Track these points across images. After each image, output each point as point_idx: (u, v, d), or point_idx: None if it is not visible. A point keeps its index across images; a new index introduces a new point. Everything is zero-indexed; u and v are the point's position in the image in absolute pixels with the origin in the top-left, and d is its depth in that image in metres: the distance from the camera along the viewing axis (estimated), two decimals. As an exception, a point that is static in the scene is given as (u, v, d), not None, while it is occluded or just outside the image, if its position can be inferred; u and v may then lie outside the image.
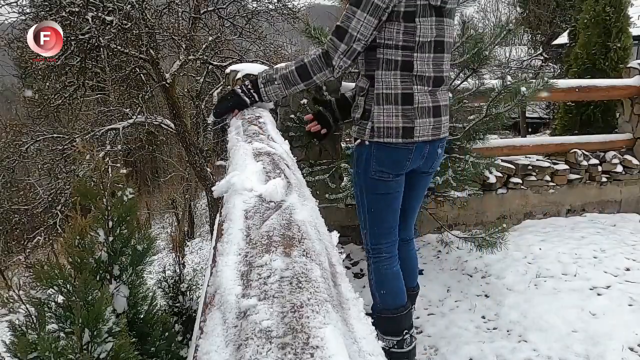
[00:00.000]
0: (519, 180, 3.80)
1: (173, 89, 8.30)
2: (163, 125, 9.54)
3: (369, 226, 2.00)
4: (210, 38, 9.19)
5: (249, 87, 1.84)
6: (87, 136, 8.64)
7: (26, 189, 9.88)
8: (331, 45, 1.75)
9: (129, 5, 6.90)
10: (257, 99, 1.84)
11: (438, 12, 1.74)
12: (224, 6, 9.26)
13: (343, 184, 3.24)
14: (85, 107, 9.97)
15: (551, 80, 3.06)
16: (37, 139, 8.91)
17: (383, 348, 1.97)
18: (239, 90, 1.85)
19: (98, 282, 1.45)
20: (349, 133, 3.44)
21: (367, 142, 1.86)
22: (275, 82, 1.81)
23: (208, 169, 8.79)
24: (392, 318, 1.99)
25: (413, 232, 2.24)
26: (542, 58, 13.85)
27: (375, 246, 2.01)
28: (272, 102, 1.89)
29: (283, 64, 1.86)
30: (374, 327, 2.00)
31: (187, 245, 11.97)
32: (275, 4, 9.78)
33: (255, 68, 3.49)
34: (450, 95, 2.71)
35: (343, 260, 1.53)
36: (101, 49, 7.84)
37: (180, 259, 2.41)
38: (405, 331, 2.02)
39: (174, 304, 2.27)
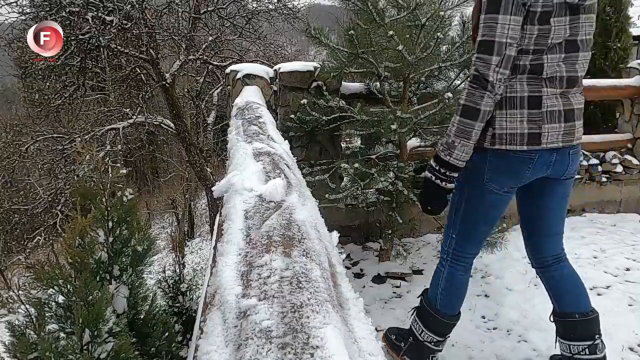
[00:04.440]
0: (519, 180, 3.80)
1: (173, 89, 8.30)
2: (163, 125, 9.55)
3: (457, 233, 1.91)
4: (210, 38, 9.19)
5: (440, 169, 1.74)
6: (87, 136, 8.64)
7: (26, 189, 9.88)
8: (480, 63, 1.61)
9: (129, 5, 6.90)
10: (454, 173, 1.74)
11: (574, 10, 1.63)
12: (224, 6, 9.25)
13: (343, 184, 3.24)
14: (85, 107, 9.96)
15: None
16: (37, 139, 8.91)
17: (418, 337, 2.00)
18: (437, 181, 1.76)
19: (98, 282, 1.45)
20: (349, 133, 3.45)
21: (485, 149, 1.72)
22: (456, 143, 1.69)
23: (208, 169, 8.79)
24: (443, 322, 2.00)
25: (563, 249, 1.99)
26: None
27: (458, 253, 1.94)
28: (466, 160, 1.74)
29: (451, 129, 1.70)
30: (420, 323, 2.01)
31: (187, 245, 11.97)
32: (275, 4, 9.78)
33: (255, 68, 3.49)
34: (451, 95, 2.71)
35: (343, 260, 1.53)
36: (101, 49, 7.85)
37: (180, 259, 2.41)
38: (447, 335, 2.03)
39: (174, 304, 2.26)
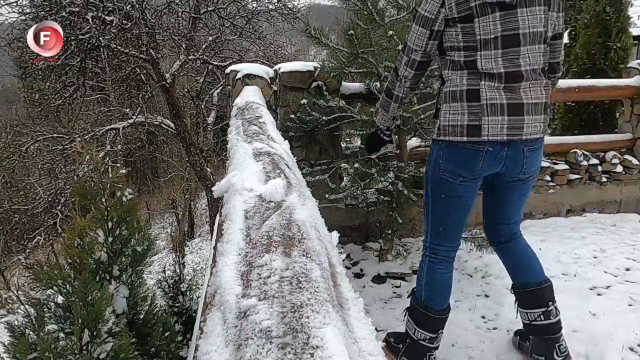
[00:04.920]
0: (519, 180, 3.79)
1: (173, 89, 8.30)
2: (163, 125, 9.55)
3: (430, 225, 2.00)
4: (210, 38, 9.19)
5: (376, 123, 2.25)
6: (87, 136, 8.65)
7: (26, 189, 9.88)
8: (398, 58, 1.95)
9: (129, 5, 6.90)
10: (385, 130, 2.26)
11: (504, 6, 1.67)
12: (224, 6, 9.25)
13: (343, 184, 3.24)
14: (85, 107, 9.97)
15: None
16: (37, 139, 8.91)
17: (413, 337, 2.02)
18: (378, 130, 2.28)
19: (97, 282, 1.45)
20: (349, 133, 3.46)
21: (438, 140, 1.87)
22: (379, 110, 2.17)
23: (208, 169, 8.79)
24: (432, 317, 2.01)
25: (517, 229, 2.10)
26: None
27: (433, 245, 2.00)
28: (387, 126, 2.25)
29: None
30: (412, 322, 2.06)
31: (187, 245, 11.98)
32: (275, 4, 9.78)
33: (255, 68, 3.49)
34: None
35: (343, 260, 1.52)
36: (101, 49, 7.85)
37: (180, 259, 2.41)
38: (440, 331, 2.05)
39: (174, 304, 2.27)
